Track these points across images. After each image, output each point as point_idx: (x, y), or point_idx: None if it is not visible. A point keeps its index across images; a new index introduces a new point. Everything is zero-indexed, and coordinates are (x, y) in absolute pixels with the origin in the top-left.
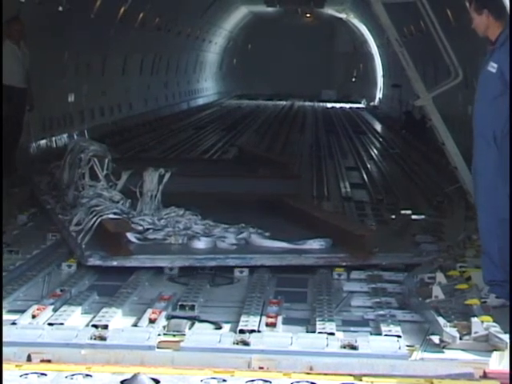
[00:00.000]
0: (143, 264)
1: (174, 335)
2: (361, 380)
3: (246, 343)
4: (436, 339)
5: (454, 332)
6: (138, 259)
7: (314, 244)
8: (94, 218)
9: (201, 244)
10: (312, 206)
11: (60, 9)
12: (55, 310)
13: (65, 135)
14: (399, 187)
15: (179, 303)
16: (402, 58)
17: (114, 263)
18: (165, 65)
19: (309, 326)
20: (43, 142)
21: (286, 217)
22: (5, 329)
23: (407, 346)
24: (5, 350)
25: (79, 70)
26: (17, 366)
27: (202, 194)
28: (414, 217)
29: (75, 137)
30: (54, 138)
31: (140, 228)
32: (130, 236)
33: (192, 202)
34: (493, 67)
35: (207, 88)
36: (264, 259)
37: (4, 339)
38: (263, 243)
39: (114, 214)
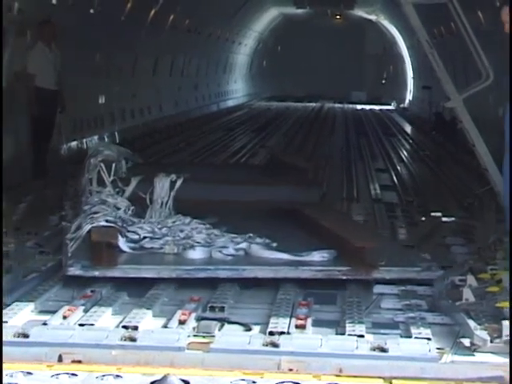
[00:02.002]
0: (127, 274)
1: (204, 337)
2: (390, 383)
3: (275, 345)
4: (466, 342)
5: (484, 335)
6: (121, 269)
7: (316, 256)
8: (86, 226)
9: (195, 254)
10: (325, 215)
11: (91, 11)
12: (86, 311)
13: (95, 137)
14: (429, 189)
15: (209, 305)
16: (433, 60)
17: (96, 273)
18: (195, 66)
19: (338, 328)
20: (74, 143)
21: (301, 226)
22: (36, 329)
23: (437, 348)
24: (36, 350)
25: (110, 71)
26: (48, 366)
27: (218, 202)
28: (444, 219)
29: (105, 139)
30: (84, 140)
31: (136, 237)
32: (123, 245)
33: (209, 209)
34: None
35: (237, 90)
36: (257, 271)
37: (35, 339)
38: (263, 254)
39: (107, 221)
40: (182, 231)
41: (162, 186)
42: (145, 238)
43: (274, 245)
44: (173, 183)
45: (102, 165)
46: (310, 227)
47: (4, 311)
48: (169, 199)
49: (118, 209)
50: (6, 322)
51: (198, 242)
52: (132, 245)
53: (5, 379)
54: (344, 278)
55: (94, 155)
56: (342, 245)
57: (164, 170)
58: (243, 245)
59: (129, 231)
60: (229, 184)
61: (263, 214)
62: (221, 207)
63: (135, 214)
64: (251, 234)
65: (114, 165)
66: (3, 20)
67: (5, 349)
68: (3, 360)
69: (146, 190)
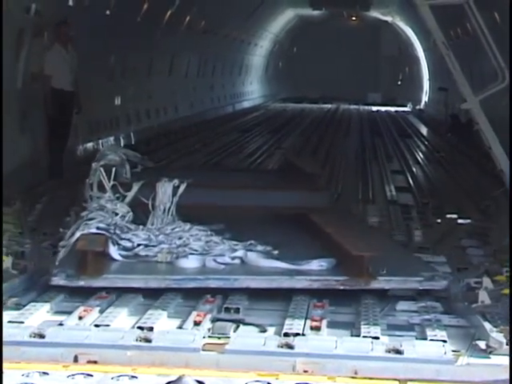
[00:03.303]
0: (114, 284)
1: (219, 338)
2: None
3: (290, 346)
4: (482, 344)
5: (500, 337)
6: (107, 279)
7: (314, 265)
8: (77, 233)
9: (188, 263)
10: (331, 221)
11: (107, 12)
12: (101, 312)
13: (111, 138)
14: (445, 191)
15: (224, 306)
16: (449, 61)
17: (81, 283)
18: (210, 68)
19: (353, 329)
20: (90, 144)
21: (308, 233)
22: (52, 330)
23: (453, 351)
24: (52, 350)
25: (126, 72)
26: (64, 366)
27: (226, 208)
28: (460, 221)
29: (121, 140)
30: (100, 141)
31: (129, 244)
32: (114, 253)
33: (217, 215)
34: None
35: (252, 91)
36: (249, 281)
37: (51, 340)
38: (259, 263)
39: (98, 228)
40: (180, 238)
41: (165, 192)
42: (139, 245)
43: (276, 252)
44: (175, 188)
45: (102, 169)
46: (316, 234)
47: (20, 311)
48: (171, 205)
49: (116, 215)
50: (23, 322)
51: (194, 250)
52: (125, 253)
53: (21, 379)
54: (341, 288)
55: (98, 159)
56: (341, 253)
57: (173, 174)
58: (239, 253)
59: (122, 239)
60: (237, 189)
61: (271, 220)
62: (229, 213)
63: (137, 220)
64: (253, 241)
65: (114, 169)
66: (21, 21)
67: (21, 349)
68: (19, 360)
69: (148, 196)
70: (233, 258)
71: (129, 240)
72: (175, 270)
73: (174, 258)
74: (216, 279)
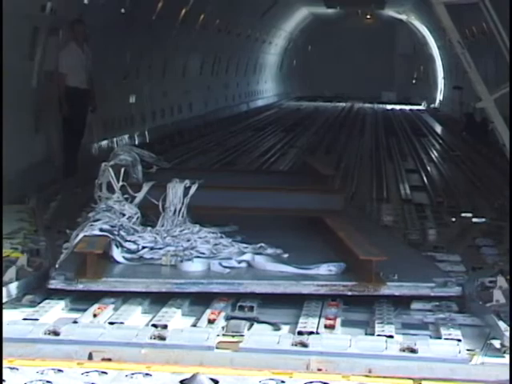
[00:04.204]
0: (114, 288)
1: (233, 336)
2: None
3: (304, 345)
4: (497, 344)
5: None
6: (107, 282)
7: (322, 269)
8: (80, 235)
9: (192, 266)
10: (344, 225)
11: (122, 11)
12: (116, 310)
13: (126, 136)
14: (460, 190)
15: (238, 304)
16: (464, 60)
17: (80, 287)
18: (225, 66)
19: (368, 328)
20: (105, 142)
21: (321, 236)
22: (67, 327)
23: (467, 350)
24: (66, 347)
25: (140, 71)
26: (78, 364)
27: (236, 209)
28: (474, 220)
29: (136, 138)
30: (115, 139)
31: (134, 247)
32: (117, 255)
33: (228, 217)
34: None
35: (267, 89)
36: (254, 286)
37: (66, 337)
38: (266, 267)
39: (101, 230)
40: (188, 240)
41: (176, 193)
42: (144, 248)
43: (286, 256)
44: (187, 189)
45: (111, 170)
46: (329, 237)
47: (35, 309)
48: (182, 206)
49: (124, 216)
50: (37, 319)
51: (201, 253)
52: (129, 255)
53: (36, 376)
54: (349, 293)
55: (110, 159)
56: (350, 257)
57: (187, 175)
58: (246, 257)
59: (127, 241)
60: (251, 190)
61: (285, 222)
62: (242, 215)
63: (147, 222)
64: (263, 244)
65: (123, 170)
66: (36, 19)
67: (36, 346)
68: (34, 357)
69: (159, 197)
70: (239, 262)
71: (134, 242)
72: (178, 274)
73: (178, 261)
74: (220, 284)
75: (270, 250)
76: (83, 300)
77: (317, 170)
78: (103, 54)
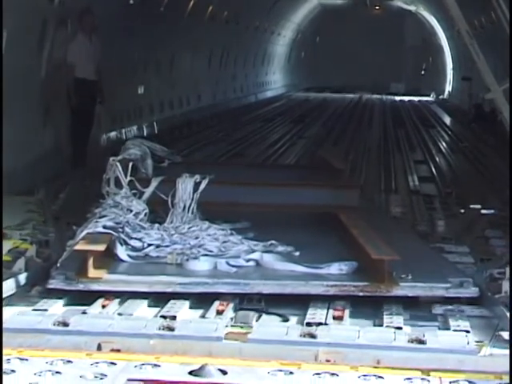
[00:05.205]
0: (115, 288)
1: (242, 327)
2: (428, 375)
3: (313, 336)
4: (505, 335)
5: None
6: (108, 282)
7: (333, 268)
8: (84, 232)
9: (198, 265)
10: (358, 221)
11: (131, 1)
12: (124, 300)
13: (134, 127)
14: (468, 181)
15: (247, 296)
16: (473, 51)
17: (80, 286)
18: (233, 58)
19: (376, 319)
20: (113, 133)
21: (335, 233)
22: (76, 318)
23: (476, 341)
24: (76, 338)
25: (149, 62)
26: (87, 354)
27: (248, 205)
28: (483, 211)
29: (144, 129)
30: (123, 130)
31: (139, 244)
32: (122, 253)
33: (240, 213)
34: None
35: (275, 81)
36: (261, 286)
37: (75, 328)
38: (275, 266)
39: (105, 227)
40: (196, 238)
41: (185, 188)
42: (150, 245)
43: (297, 254)
44: (197, 185)
45: (118, 164)
46: (343, 235)
47: (44, 300)
48: (192, 202)
49: (131, 212)
50: (46, 310)
51: (209, 251)
52: (134, 253)
53: (45, 366)
54: (360, 294)
55: (121, 152)
56: (363, 256)
57: (198, 170)
58: (255, 255)
59: (132, 238)
60: (263, 186)
61: (298, 219)
62: (254, 211)
63: (156, 219)
64: (273, 242)
65: (131, 165)
66: (45, 10)
67: (45, 336)
68: (43, 348)
69: (169, 192)
70: (247, 261)
71: (139, 240)
72: (184, 273)
73: (184, 259)
74: (225, 284)
75: (280, 248)
76: (92, 291)
77: (330, 164)
78: (111, 45)
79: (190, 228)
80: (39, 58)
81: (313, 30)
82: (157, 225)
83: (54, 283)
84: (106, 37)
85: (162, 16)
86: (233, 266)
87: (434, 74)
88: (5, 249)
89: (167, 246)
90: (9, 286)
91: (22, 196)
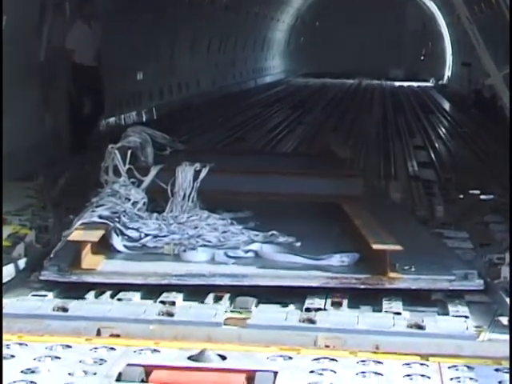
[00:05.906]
0: (109, 280)
1: (241, 312)
2: (427, 360)
3: (312, 321)
4: (504, 320)
5: None
6: (102, 274)
7: (334, 260)
8: (79, 221)
9: (196, 256)
10: (362, 212)
11: None
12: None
13: (133, 113)
14: (468, 167)
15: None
16: (473, 36)
17: (73, 278)
18: (232, 43)
19: (375, 305)
20: (112, 119)
21: (338, 223)
22: (75, 303)
23: (475, 326)
24: (75, 323)
25: (148, 47)
26: (87, 339)
27: (249, 194)
28: (482, 197)
29: (143, 114)
30: (122, 116)
31: (136, 234)
32: (118, 244)
33: (242, 203)
34: None
35: (274, 66)
36: (259, 278)
37: (74, 313)
38: (275, 257)
39: (100, 217)
40: (195, 228)
41: (185, 177)
42: (147, 235)
43: (298, 244)
44: (197, 173)
45: (117, 152)
46: (346, 225)
47: (43, 285)
48: (192, 191)
49: (129, 201)
50: (46, 295)
51: (207, 241)
52: (130, 244)
53: (44, 352)
54: (362, 287)
55: (121, 140)
56: (364, 247)
57: (202, 157)
58: (254, 246)
59: (129, 228)
60: (265, 174)
61: (301, 208)
62: (257, 200)
63: (156, 208)
64: (274, 232)
65: (129, 152)
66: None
67: (45, 322)
68: (43, 333)
69: (169, 181)
70: (246, 252)
71: (136, 230)
72: (180, 265)
73: (181, 250)
74: (223, 276)
75: (281, 238)
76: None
77: (333, 153)
78: (110, 31)
79: (189, 217)
80: (38, 43)
81: (312, 15)
82: (155, 214)
83: (47, 275)
84: (105, 23)
85: (162, 1)
86: (231, 257)
87: (433, 60)
88: (4, 234)
89: (165, 236)
90: (8, 272)
91: (22, 181)
